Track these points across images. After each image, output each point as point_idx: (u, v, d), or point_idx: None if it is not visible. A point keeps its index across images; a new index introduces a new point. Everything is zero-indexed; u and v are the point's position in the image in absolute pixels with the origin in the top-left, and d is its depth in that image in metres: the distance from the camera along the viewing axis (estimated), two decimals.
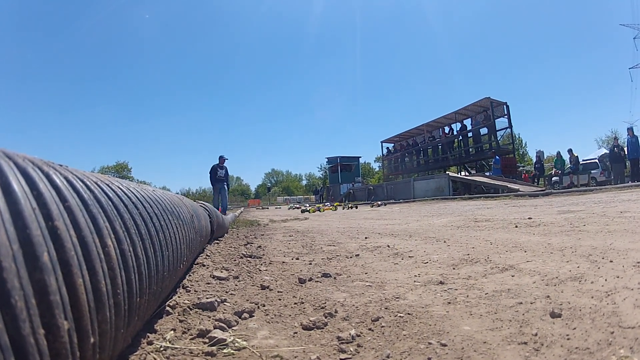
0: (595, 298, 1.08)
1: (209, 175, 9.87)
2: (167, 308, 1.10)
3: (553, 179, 15.01)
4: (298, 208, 13.45)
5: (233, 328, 1.00)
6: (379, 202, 12.40)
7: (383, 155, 27.66)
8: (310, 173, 68.97)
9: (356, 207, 11.67)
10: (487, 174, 16.59)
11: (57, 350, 0.40)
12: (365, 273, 1.69)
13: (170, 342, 0.87)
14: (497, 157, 16.21)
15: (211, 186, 10.10)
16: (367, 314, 1.09)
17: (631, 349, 0.74)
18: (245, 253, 2.35)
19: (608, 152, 14.99)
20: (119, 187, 0.76)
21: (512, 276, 1.43)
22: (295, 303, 1.25)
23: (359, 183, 28.03)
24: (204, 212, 2.28)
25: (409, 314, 1.07)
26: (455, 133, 20.80)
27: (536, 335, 0.86)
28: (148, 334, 0.90)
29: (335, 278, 1.61)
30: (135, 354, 0.79)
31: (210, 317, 1.07)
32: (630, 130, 12.21)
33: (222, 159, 9.93)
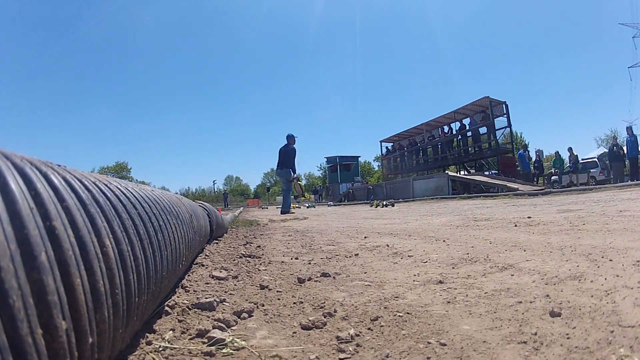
0: (595, 297, 1.08)
1: (294, 159, 7.81)
2: (166, 308, 1.09)
3: (552, 178, 15.04)
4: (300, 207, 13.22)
5: (232, 328, 1.00)
6: (385, 202, 10.03)
7: (382, 154, 27.67)
8: (309, 172, 69.15)
9: (393, 205, 9.53)
10: (487, 172, 16.60)
11: (56, 350, 0.39)
12: (365, 272, 1.69)
13: (169, 342, 0.87)
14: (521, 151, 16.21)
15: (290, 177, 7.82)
16: (366, 313, 1.09)
17: (631, 347, 0.74)
18: (244, 253, 2.34)
19: (607, 151, 15.01)
20: (117, 187, 0.75)
21: (512, 275, 1.43)
22: (294, 303, 1.25)
23: (358, 182, 28.08)
24: (203, 211, 2.28)
25: (408, 313, 1.07)
26: (454, 132, 20.82)
27: (536, 334, 0.85)
28: (147, 334, 0.90)
29: (334, 277, 1.61)
30: (134, 354, 0.79)
31: (209, 317, 1.07)
32: (629, 129, 12.25)
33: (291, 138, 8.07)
